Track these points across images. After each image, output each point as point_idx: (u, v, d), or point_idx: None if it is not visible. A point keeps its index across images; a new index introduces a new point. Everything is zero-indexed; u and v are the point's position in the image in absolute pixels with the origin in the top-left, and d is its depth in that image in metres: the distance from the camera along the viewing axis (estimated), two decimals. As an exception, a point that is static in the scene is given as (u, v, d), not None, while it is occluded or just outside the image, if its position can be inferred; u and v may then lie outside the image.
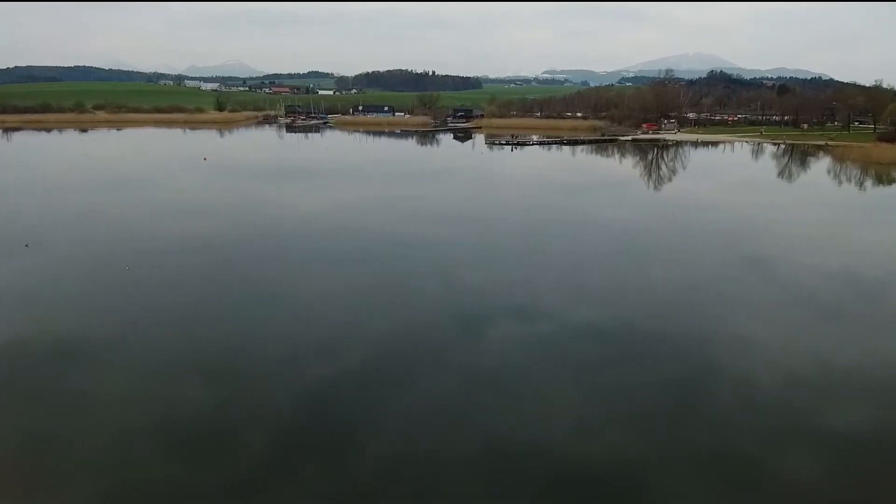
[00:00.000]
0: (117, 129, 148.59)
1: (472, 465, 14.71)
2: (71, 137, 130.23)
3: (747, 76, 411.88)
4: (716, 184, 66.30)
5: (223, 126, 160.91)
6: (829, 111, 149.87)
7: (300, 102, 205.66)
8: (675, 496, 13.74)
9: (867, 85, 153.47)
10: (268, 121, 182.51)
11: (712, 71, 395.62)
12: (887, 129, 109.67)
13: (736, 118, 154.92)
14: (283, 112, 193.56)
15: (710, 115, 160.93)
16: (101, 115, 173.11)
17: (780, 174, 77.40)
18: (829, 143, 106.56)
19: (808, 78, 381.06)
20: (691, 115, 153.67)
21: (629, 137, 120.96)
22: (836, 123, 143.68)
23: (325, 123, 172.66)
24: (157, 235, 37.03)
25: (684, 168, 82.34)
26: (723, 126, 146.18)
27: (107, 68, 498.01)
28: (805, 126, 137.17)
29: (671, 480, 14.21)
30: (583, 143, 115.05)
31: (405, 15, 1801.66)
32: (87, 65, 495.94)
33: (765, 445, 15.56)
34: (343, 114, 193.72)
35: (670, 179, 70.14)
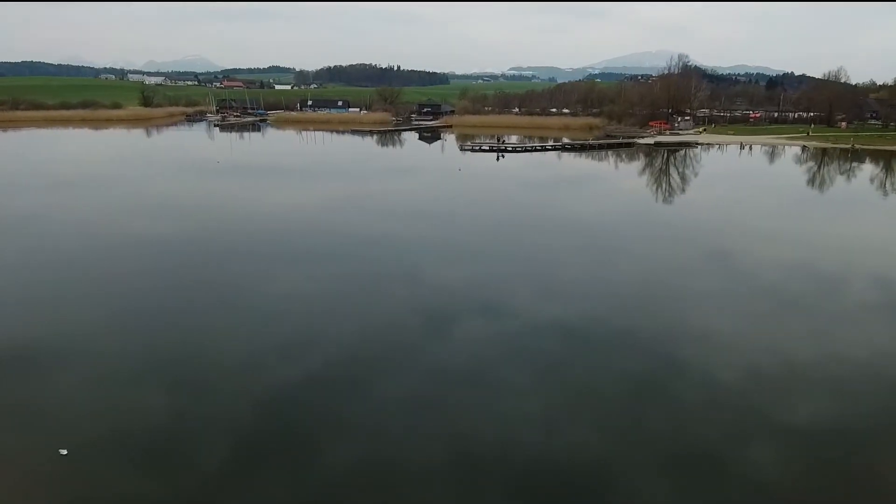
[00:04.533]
0: (2, 130, 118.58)
1: (442, 463, 14.12)
2: None
3: (715, 73, 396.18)
4: None
5: (135, 124, 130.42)
6: (856, 108, 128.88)
7: (233, 97, 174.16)
8: (643, 492, 13.20)
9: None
10: (191, 118, 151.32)
11: (686, 66, 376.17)
12: None
13: (758, 115, 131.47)
14: (213, 108, 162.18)
15: (722, 112, 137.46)
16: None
17: None
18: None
19: (778, 74, 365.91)
20: (700, 113, 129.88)
21: (651, 140, 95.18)
22: (871, 122, 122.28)
23: (262, 120, 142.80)
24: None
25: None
26: (745, 124, 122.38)
27: (56, 63, 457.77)
28: (843, 125, 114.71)
29: (639, 476, 13.66)
30: (591, 147, 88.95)
31: (370, 10, 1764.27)
32: (36, 60, 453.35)
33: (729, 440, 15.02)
34: (289, 109, 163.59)
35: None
